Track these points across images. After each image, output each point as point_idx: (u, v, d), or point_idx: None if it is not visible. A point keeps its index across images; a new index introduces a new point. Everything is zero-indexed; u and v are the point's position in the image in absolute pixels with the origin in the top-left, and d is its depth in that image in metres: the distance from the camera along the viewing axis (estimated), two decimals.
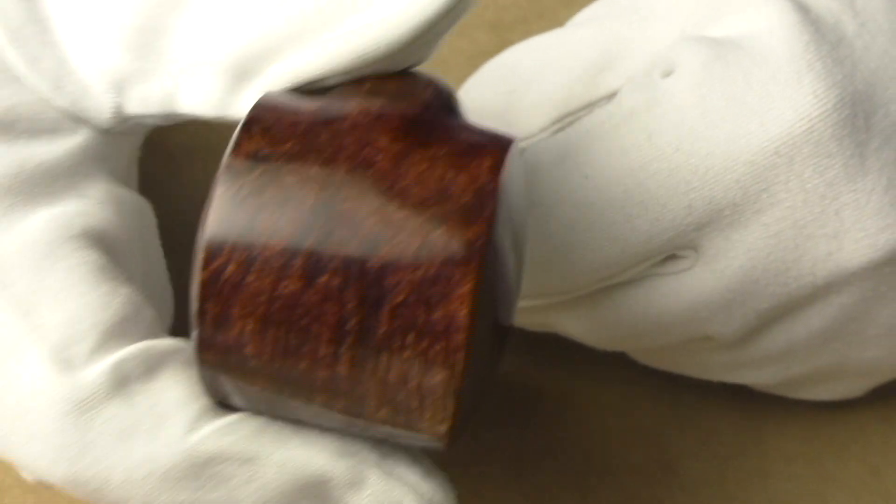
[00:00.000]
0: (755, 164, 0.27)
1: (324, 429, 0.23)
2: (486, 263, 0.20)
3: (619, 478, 0.32)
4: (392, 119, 0.21)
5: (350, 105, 0.21)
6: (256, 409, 0.22)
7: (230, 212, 0.20)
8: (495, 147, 0.21)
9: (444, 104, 0.22)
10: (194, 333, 0.21)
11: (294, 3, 0.24)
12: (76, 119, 0.26)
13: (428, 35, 0.23)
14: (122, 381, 0.23)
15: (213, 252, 0.20)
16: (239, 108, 0.25)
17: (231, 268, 0.20)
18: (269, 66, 0.24)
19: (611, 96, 0.30)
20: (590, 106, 0.30)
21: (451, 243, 0.20)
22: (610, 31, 0.31)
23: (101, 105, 0.26)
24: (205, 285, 0.20)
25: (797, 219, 0.27)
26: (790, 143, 0.26)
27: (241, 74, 0.25)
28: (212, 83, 0.25)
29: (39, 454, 0.23)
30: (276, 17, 0.24)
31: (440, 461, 0.33)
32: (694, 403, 0.34)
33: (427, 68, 0.39)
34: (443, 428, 0.21)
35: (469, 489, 0.32)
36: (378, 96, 0.22)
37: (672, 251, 0.28)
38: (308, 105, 0.21)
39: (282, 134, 0.21)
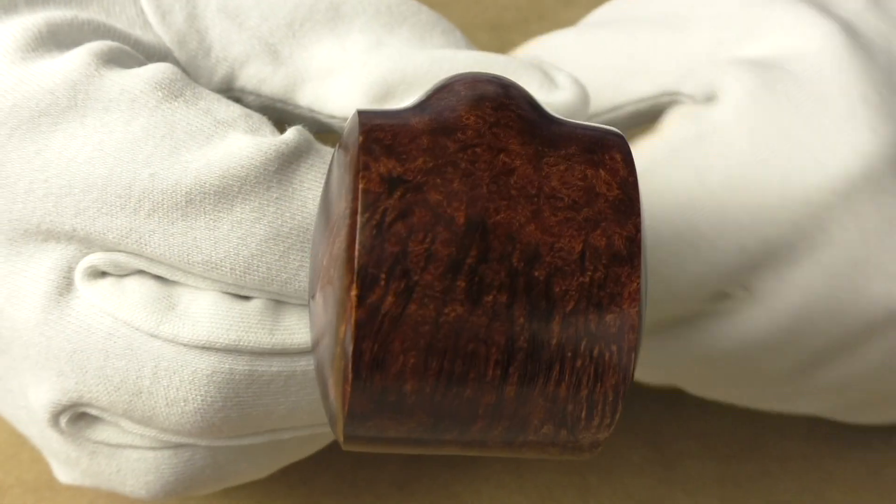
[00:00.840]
0: (810, 202, 0.25)
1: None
2: (645, 258, 0.20)
3: (619, 478, 0.32)
4: (512, 121, 0.20)
5: (460, 111, 0.20)
6: (398, 450, 0.21)
7: (378, 240, 0.18)
8: (615, 138, 0.21)
9: (533, 101, 0.22)
10: (342, 381, 0.19)
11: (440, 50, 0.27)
12: (190, 75, 0.27)
13: None
14: (309, 140, 0.24)
15: (367, 286, 0.18)
16: None
17: (389, 300, 0.18)
18: (415, 95, 0.26)
19: (639, 101, 0.29)
20: (615, 109, 0.29)
21: (613, 241, 0.19)
22: (639, 35, 0.29)
23: (214, 69, 0.27)
24: (361, 324, 0.18)
25: (854, 257, 0.26)
26: (847, 180, 0.25)
27: (384, 95, 0.26)
28: (351, 90, 0.26)
29: (246, 215, 0.23)
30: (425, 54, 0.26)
31: (439, 461, 0.33)
32: (694, 403, 0.34)
33: None
34: (604, 435, 0.20)
35: (469, 489, 0.32)
36: (481, 100, 0.21)
37: (723, 290, 0.27)
38: (414, 117, 0.20)
39: (407, 151, 0.19)
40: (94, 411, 0.25)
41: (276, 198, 0.24)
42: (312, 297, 0.22)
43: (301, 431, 0.26)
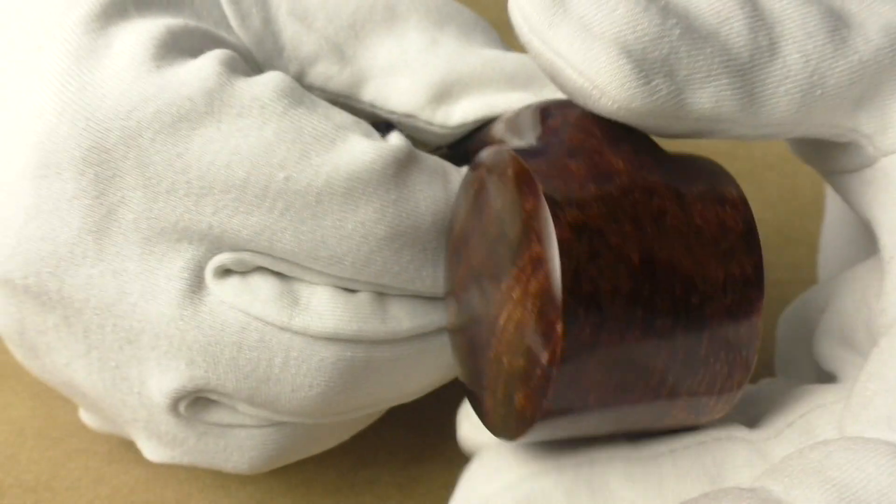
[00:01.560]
0: None
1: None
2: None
3: None
4: (649, 164, 0.23)
5: (607, 156, 0.23)
6: (559, 439, 0.24)
7: (577, 282, 0.22)
8: (723, 174, 0.24)
9: (645, 135, 0.25)
10: (538, 396, 0.22)
11: (506, 56, 0.30)
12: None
13: None
14: (410, 144, 0.27)
15: (570, 322, 0.22)
16: (438, 119, 0.29)
17: (587, 331, 0.22)
18: (469, 95, 0.29)
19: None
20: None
21: (745, 270, 0.23)
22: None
23: (286, 68, 0.29)
24: (565, 353, 0.22)
25: None
26: None
27: (442, 94, 0.29)
28: (412, 88, 0.29)
29: (369, 216, 0.26)
30: (487, 58, 0.29)
31: (439, 461, 0.33)
32: None
33: None
34: (720, 416, 0.24)
35: None
36: (617, 141, 0.24)
37: None
38: (569, 161, 0.23)
39: (580, 199, 0.22)
40: (214, 396, 0.27)
41: (395, 199, 0.26)
42: (455, 293, 0.26)
43: (382, 406, 0.29)
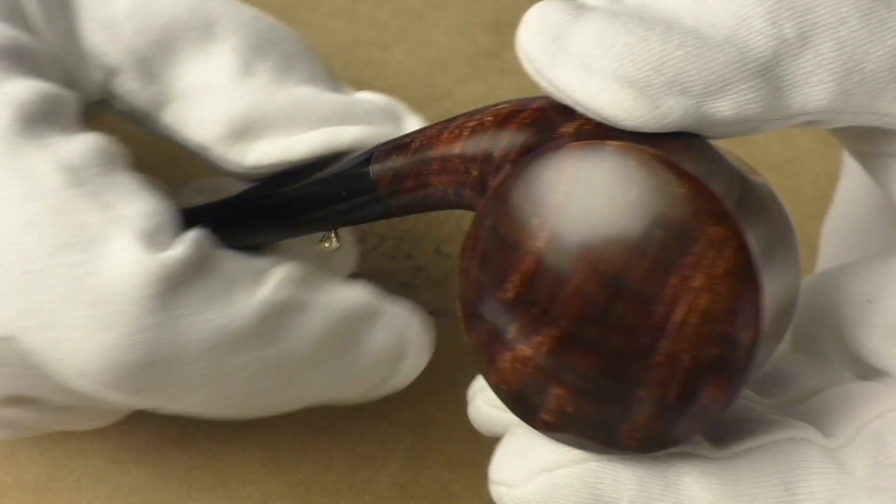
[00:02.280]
0: None
1: None
2: None
3: None
4: (708, 145, 0.24)
5: (655, 138, 0.24)
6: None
7: (760, 256, 0.22)
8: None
9: None
10: (730, 385, 0.22)
11: (314, 94, 0.28)
12: (72, 84, 0.27)
13: None
14: (202, 256, 0.24)
15: (765, 294, 0.22)
16: (232, 156, 0.27)
17: (771, 302, 0.22)
18: (270, 136, 0.27)
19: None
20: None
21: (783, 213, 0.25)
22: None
23: (91, 76, 0.27)
24: (767, 326, 0.22)
25: None
26: None
27: (242, 130, 0.27)
28: (211, 119, 0.27)
29: (115, 340, 0.23)
30: (287, 97, 0.27)
31: (439, 462, 0.33)
32: None
33: (426, 69, 0.39)
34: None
35: (469, 489, 0.32)
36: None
37: None
38: (664, 143, 0.23)
39: (710, 176, 0.23)
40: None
41: (155, 324, 0.23)
42: (557, 327, 0.23)
43: None
